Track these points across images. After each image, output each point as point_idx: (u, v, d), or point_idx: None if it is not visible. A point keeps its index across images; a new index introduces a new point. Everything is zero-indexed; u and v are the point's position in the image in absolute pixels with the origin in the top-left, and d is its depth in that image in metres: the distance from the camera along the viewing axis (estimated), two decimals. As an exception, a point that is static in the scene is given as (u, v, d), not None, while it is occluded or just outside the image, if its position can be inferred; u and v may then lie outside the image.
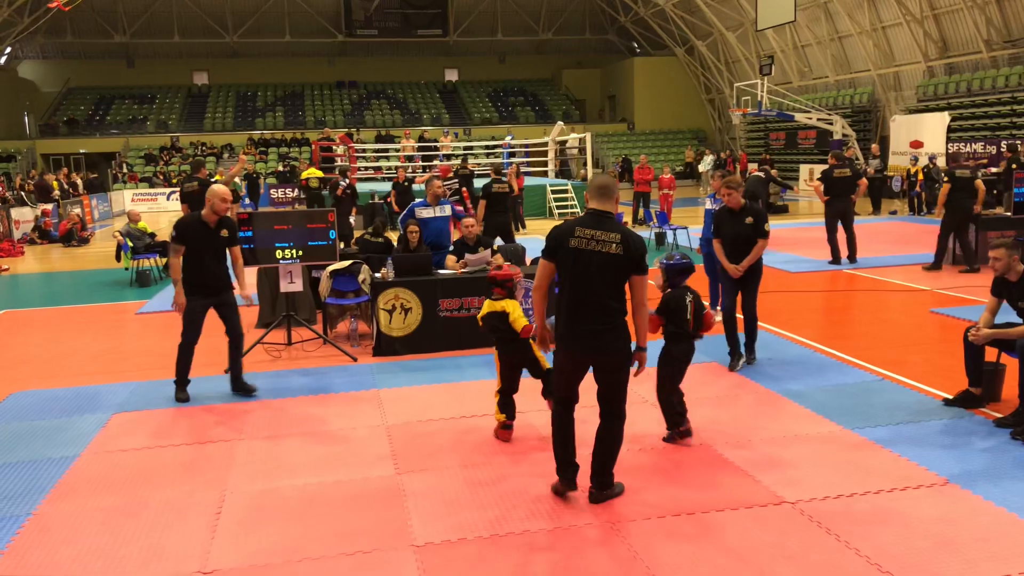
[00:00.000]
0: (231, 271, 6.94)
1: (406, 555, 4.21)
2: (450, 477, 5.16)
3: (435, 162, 25.18)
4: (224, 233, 6.80)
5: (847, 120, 27.49)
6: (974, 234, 12.13)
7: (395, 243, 10.33)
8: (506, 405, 5.77)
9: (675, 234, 15.70)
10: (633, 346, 4.61)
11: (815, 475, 5.03)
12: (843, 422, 5.90)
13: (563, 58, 44.90)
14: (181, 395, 6.82)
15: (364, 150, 27.40)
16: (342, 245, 11.65)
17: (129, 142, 36.81)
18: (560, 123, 28.68)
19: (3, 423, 6.42)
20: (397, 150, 27.10)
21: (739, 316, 7.43)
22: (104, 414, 6.54)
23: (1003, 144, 20.35)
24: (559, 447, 4.71)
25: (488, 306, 5.79)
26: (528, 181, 22.89)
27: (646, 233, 15.85)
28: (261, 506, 4.82)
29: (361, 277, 8.60)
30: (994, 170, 19.08)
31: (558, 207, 22.11)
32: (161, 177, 32.54)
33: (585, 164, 26.61)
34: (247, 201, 24.72)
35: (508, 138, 30.00)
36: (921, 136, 24.09)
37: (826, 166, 13.44)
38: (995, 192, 18.12)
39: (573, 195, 22.31)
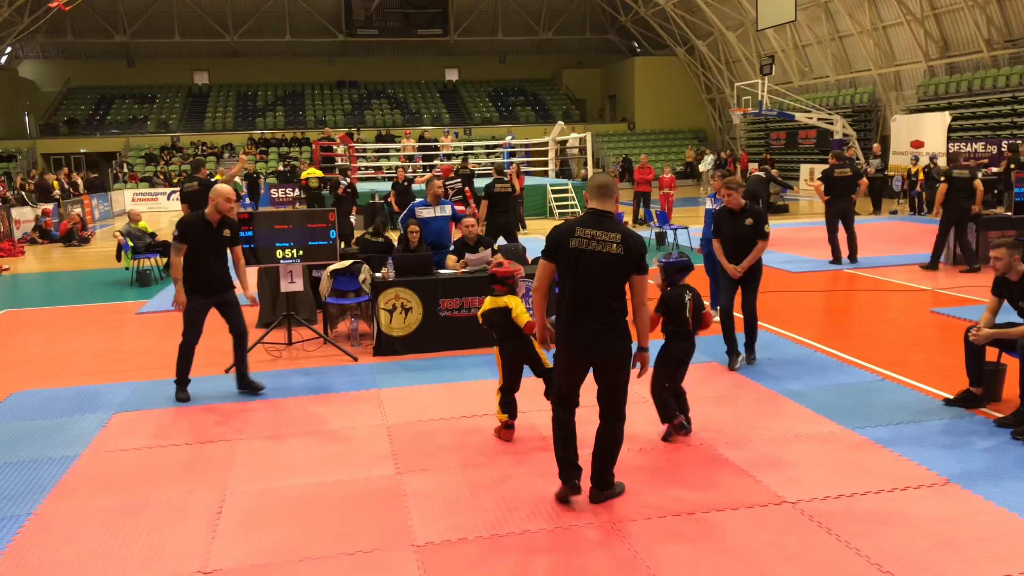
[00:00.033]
0: (232, 271, 6.94)
1: (406, 555, 4.21)
2: (450, 477, 5.16)
3: (436, 162, 25.18)
4: (226, 233, 6.80)
5: (848, 120, 27.47)
6: (975, 234, 12.13)
7: (395, 243, 10.34)
8: (508, 404, 5.77)
9: (675, 234, 15.70)
10: (634, 347, 4.60)
11: (815, 475, 5.02)
12: (843, 422, 5.90)
13: (563, 58, 44.88)
14: (181, 395, 6.82)
15: (364, 150, 27.40)
16: (342, 245, 11.66)
17: (129, 142, 36.82)
18: (560, 123, 28.68)
19: (4, 423, 6.42)
20: (397, 150, 27.10)
21: (738, 315, 7.43)
22: (104, 414, 6.54)
23: (1004, 144, 20.34)
24: (560, 449, 4.70)
25: (490, 302, 5.77)
26: (528, 181, 22.89)
27: (647, 233, 15.86)
28: (261, 506, 4.82)
29: (362, 277, 8.60)
30: (995, 170, 19.08)
31: (558, 207, 22.12)
32: (161, 177, 32.56)
33: (585, 164, 26.61)
34: (247, 201, 24.76)
35: (508, 138, 30.01)
36: (922, 136, 24.08)
37: (827, 166, 13.45)
38: (996, 192, 18.13)
39: (573, 195, 22.31)
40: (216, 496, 4.96)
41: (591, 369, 4.63)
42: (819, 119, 26.90)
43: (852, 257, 12.81)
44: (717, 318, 7.51)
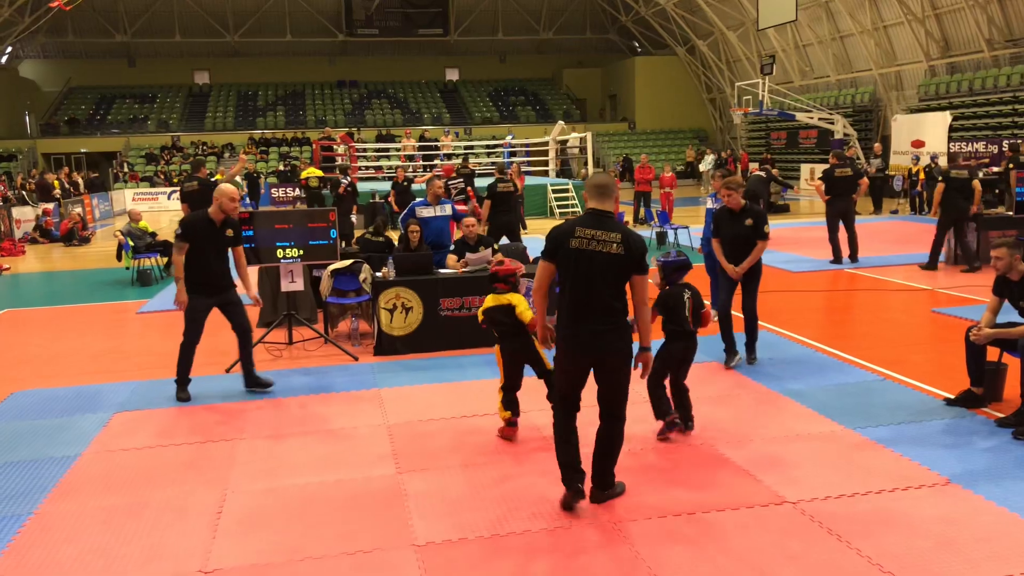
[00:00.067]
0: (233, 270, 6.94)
1: (407, 555, 4.21)
2: (451, 477, 5.15)
3: (436, 162, 25.18)
4: (229, 233, 6.80)
5: (848, 119, 27.46)
6: (975, 234, 12.14)
7: (396, 242, 10.34)
8: (510, 403, 5.76)
9: (676, 233, 15.69)
10: (636, 347, 4.60)
11: (816, 475, 5.02)
12: (844, 422, 5.90)
13: (564, 57, 44.87)
14: (182, 394, 6.82)
15: (365, 149, 27.40)
16: (343, 244, 11.66)
17: (130, 141, 36.82)
18: (561, 122, 28.67)
19: (4, 422, 6.42)
20: (398, 150, 27.10)
21: (737, 315, 7.43)
22: (105, 413, 6.54)
23: (1005, 144, 20.33)
24: (562, 452, 4.67)
25: (492, 300, 5.75)
26: (529, 180, 22.87)
27: (647, 232, 15.85)
28: (262, 505, 4.82)
29: (362, 276, 8.61)
30: (996, 170, 19.07)
31: (559, 206, 22.12)
32: (162, 176, 32.56)
33: (586, 163, 26.60)
34: (248, 200, 24.77)
35: (509, 137, 30.01)
36: (923, 135, 24.07)
37: (827, 165, 13.44)
38: (996, 192, 18.12)
39: (574, 194, 22.31)
40: (217, 496, 4.96)
41: (591, 370, 4.62)
42: (820, 119, 26.89)
43: (853, 257, 12.81)
44: (716, 318, 7.51)
